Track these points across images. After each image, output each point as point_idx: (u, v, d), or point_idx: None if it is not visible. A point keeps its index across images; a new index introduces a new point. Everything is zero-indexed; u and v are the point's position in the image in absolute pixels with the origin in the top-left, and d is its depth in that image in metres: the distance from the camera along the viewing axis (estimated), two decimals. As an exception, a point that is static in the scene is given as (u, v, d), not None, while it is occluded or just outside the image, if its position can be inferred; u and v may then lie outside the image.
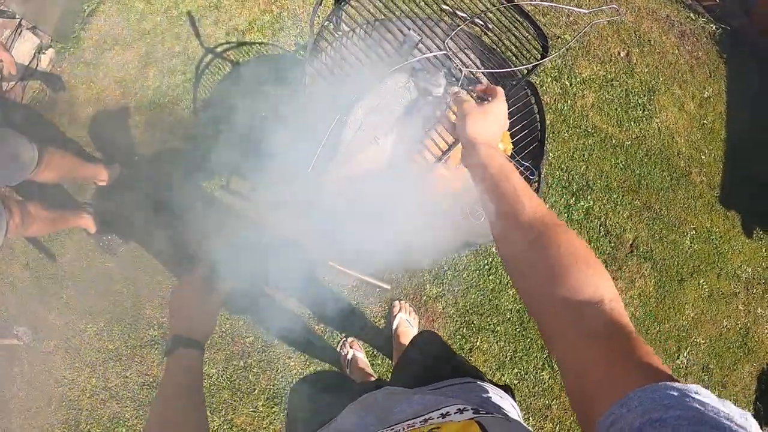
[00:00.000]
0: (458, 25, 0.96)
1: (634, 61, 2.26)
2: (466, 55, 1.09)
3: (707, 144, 2.22)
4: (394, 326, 1.82)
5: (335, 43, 1.07)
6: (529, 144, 1.09)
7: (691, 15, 2.35)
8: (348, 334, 1.88)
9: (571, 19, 2.27)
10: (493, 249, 2.00)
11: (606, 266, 1.98)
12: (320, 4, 0.97)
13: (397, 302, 1.89)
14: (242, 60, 2.10)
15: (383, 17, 1.06)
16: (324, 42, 1.02)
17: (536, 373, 1.93)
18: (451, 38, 0.92)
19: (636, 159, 2.15)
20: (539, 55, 0.97)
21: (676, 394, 0.36)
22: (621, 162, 2.13)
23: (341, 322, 1.89)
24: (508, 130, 1.04)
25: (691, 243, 2.12)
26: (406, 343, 1.71)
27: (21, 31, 1.90)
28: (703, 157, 2.21)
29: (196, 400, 0.73)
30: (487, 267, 1.98)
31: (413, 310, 1.90)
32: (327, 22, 0.98)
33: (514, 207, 0.61)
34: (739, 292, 2.11)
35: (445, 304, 1.93)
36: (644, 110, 2.21)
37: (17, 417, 1.82)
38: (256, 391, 1.82)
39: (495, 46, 1.07)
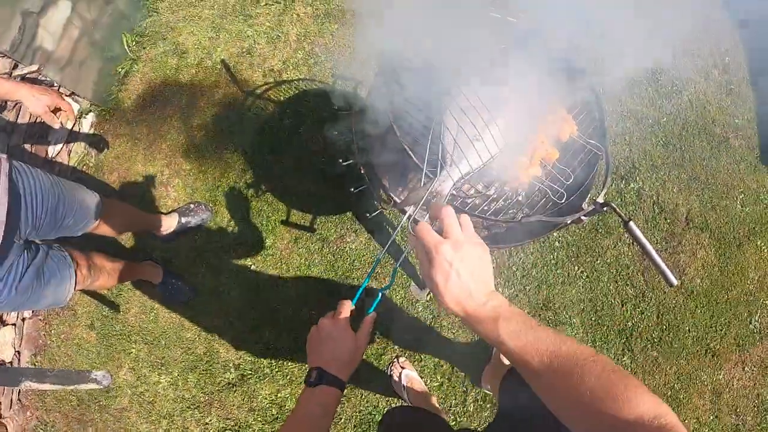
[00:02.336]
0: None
1: None
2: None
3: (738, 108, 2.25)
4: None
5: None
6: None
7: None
8: (394, 350, 1.84)
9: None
10: (557, 243, 2.00)
11: (666, 242, 2.03)
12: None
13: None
14: (283, 98, 2.11)
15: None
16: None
17: (617, 359, 1.91)
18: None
19: (674, 134, 2.17)
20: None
21: None
22: (661, 139, 2.16)
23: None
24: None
25: (742, 207, 2.12)
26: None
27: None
28: (737, 121, 2.23)
29: None
30: (553, 262, 1.98)
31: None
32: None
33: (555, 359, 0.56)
34: (799, 246, 2.10)
35: (519, 304, 1.91)
36: (673, 86, 2.24)
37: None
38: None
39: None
